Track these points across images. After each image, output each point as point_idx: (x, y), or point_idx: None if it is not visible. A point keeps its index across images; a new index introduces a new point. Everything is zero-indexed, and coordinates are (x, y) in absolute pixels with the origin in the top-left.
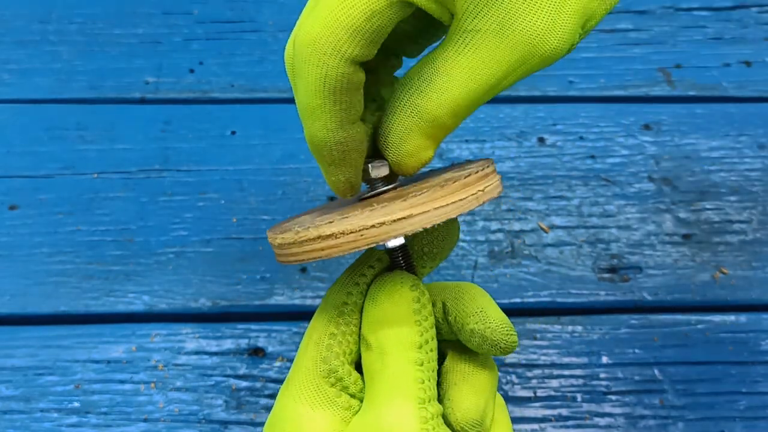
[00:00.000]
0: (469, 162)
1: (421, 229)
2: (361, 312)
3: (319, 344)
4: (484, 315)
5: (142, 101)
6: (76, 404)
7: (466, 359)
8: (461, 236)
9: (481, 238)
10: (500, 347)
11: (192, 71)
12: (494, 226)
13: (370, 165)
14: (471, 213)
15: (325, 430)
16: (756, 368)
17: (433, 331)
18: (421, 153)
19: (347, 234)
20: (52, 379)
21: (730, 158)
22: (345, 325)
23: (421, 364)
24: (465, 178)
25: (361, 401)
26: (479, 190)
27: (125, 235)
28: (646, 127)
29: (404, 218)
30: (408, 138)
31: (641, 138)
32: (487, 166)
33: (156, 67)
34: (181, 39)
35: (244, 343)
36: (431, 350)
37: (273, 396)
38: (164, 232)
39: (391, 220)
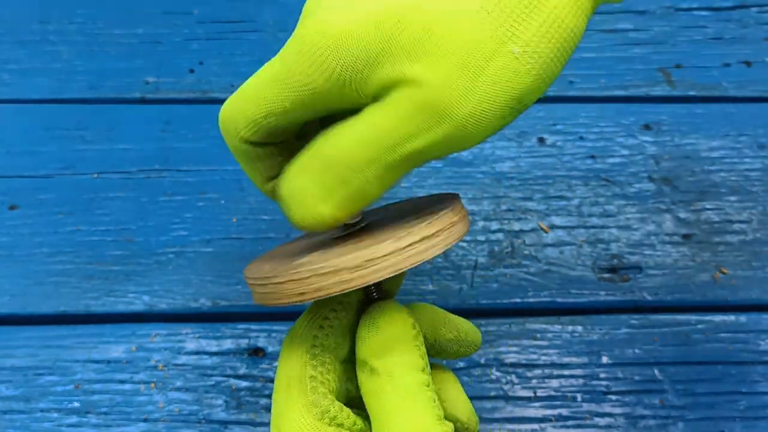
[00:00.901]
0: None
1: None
2: (332, 350)
3: (302, 389)
4: (455, 324)
5: (142, 101)
6: (76, 404)
7: (439, 367)
8: None
9: (481, 238)
10: (475, 345)
11: (192, 71)
12: (494, 226)
13: None
14: (470, 213)
15: None
16: (756, 368)
17: (426, 354)
18: (310, 199)
19: (338, 273)
20: (52, 379)
21: (730, 158)
22: (321, 366)
23: (428, 385)
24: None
25: (359, 431)
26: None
27: (125, 235)
28: (646, 127)
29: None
30: (298, 176)
31: (641, 138)
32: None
33: (156, 67)
34: (181, 39)
35: (244, 343)
36: (430, 373)
37: (272, 398)
38: (164, 232)
39: (379, 257)
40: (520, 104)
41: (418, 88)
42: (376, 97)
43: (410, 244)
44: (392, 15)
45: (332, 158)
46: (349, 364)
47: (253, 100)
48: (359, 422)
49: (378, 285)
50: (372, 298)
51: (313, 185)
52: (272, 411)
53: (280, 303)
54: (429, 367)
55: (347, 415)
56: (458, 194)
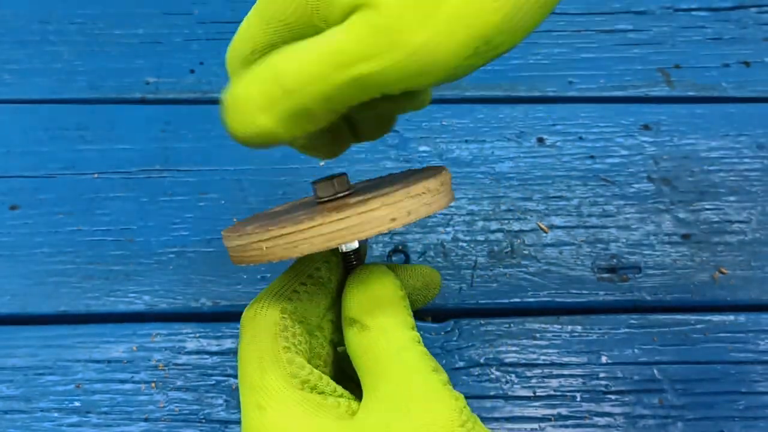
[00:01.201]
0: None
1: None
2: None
3: (278, 362)
4: (419, 272)
5: (143, 101)
6: (77, 404)
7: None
8: (460, 236)
9: (480, 237)
10: (437, 285)
11: (192, 71)
12: (494, 225)
13: (316, 186)
14: (470, 213)
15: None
16: (755, 368)
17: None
18: (251, 107)
19: (315, 229)
20: (53, 379)
21: (729, 158)
22: (292, 337)
23: (419, 342)
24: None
25: (340, 396)
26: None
27: (126, 235)
28: (646, 127)
29: (370, 213)
30: (245, 85)
31: (640, 138)
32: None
33: (156, 67)
34: (181, 39)
35: None
36: (418, 332)
37: None
38: (165, 232)
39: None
40: (488, 46)
41: (374, 10)
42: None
43: (401, 200)
44: None
45: (281, 70)
46: (318, 331)
47: (242, 37)
48: (339, 388)
49: (357, 252)
50: (351, 266)
51: (257, 94)
52: (243, 388)
53: (270, 259)
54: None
55: (327, 382)
56: (445, 166)
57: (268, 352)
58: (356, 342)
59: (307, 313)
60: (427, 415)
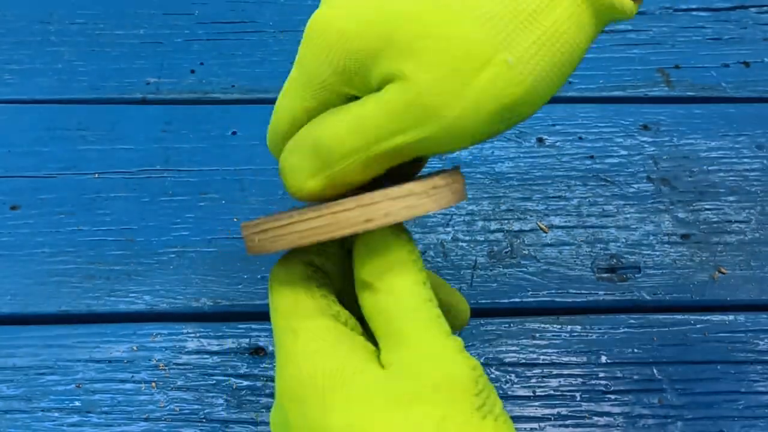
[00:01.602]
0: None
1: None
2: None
3: (311, 294)
4: (451, 290)
5: (143, 102)
6: (78, 404)
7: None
8: (460, 236)
9: (480, 237)
10: (464, 318)
11: (193, 72)
12: (493, 225)
13: None
14: (470, 213)
15: (354, 366)
16: (755, 368)
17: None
18: (299, 174)
19: (291, 226)
20: (54, 379)
21: (728, 158)
22: (322, 284)
23: (431, 300)
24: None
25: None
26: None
27: (126, 235)
28: (645, 127)
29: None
30: (292, 153)
31: (640, 138)
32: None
33: (157, 67)
34: (182, 40)
35: (245, 342)
36: (431, 290)
37: (273, 395)
38: (165, 232)
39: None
40: (512, 114)
41: (408, 85)
42: (377, 90)
43: (378, 201)
44: (391, 13)
45: (321, 142)
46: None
47: (278, 111)
48: (358, 326)
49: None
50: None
51: (302, 163)
52: (278, 318)
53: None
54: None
55: (355, 323)
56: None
57: (302, 285)
58: (368, 305)
59: (329, 276)
60: (441, 380)
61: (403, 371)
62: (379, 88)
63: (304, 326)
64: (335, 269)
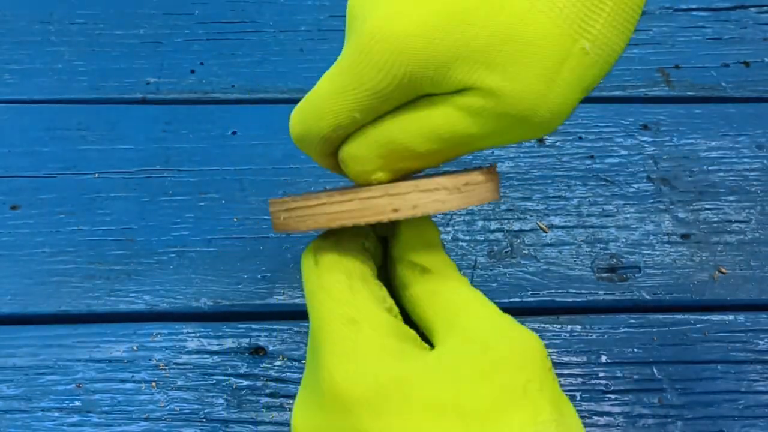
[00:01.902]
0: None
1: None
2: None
3: (368, 285)
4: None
5: (143, 101)
6: (78, 403)
7: None
8: (460, 236)
9: (480, 237)
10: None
11: (193, 72)
12: (493, 225)
13: None
14: (470, 213)
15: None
16: (755, 367)
17: None
18: (369, 166)
19: (320, 207)
20: (54, 379)
21: (728, 158)
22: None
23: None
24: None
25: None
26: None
27: (126, 235)
28: (645, 127)
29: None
30: (362, 147)
31: (640, 138)
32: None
33: (157, 67)
34: (182, 39)
35: (245, 342)
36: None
37: (274, 395)
38: (165, 231)
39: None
40: (590, 89)
41: (496, 98)
42: (455, 92)
43: (408, 192)
44: (462, 17)
45: (399, 141)
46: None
47: (319, 115)
48: (400, 316)
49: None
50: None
51: (375, 157)
52: (328, 300)
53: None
54: None
55: (396, 308)
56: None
57: (357, 272)
58: (420, 287)
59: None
60: (516, 348)
61: (472, 347)
62: (455, 92)
63: (365, 319)
64: (377, 254)
